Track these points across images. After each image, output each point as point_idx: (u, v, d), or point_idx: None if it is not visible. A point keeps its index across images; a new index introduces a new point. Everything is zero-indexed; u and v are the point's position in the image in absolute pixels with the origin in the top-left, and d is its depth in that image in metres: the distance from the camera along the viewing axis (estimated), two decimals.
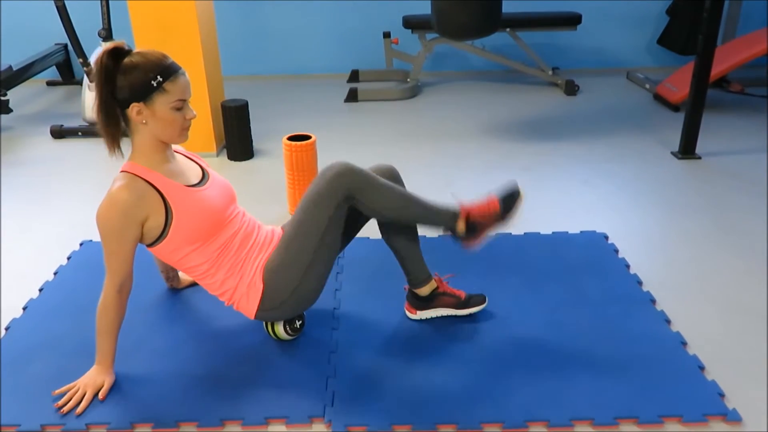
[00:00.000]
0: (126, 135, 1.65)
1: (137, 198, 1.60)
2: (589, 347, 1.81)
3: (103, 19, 3.80)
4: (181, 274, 2.16)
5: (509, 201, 1.82)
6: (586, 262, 2.24)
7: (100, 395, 1.66)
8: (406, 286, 1.97)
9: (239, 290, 1.74)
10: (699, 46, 2.97)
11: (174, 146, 1.80)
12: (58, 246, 2.44)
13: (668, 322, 1.93)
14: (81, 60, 3.52)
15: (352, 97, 4.22)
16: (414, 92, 4.32)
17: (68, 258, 2.34)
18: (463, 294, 1.95)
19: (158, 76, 1.57)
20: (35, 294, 2.13)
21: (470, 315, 1.95)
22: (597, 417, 1.57)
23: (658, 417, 1.56)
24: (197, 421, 1.59)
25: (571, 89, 4.25)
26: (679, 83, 3.92)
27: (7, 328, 1.95)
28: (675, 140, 3.38)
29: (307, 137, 2.59)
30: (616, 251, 2.32)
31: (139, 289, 2.12)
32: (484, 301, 1.96)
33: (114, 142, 1.65)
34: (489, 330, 1.90)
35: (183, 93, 1.62)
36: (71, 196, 2.87)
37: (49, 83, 4.73)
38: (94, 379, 1.68)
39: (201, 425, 1.58)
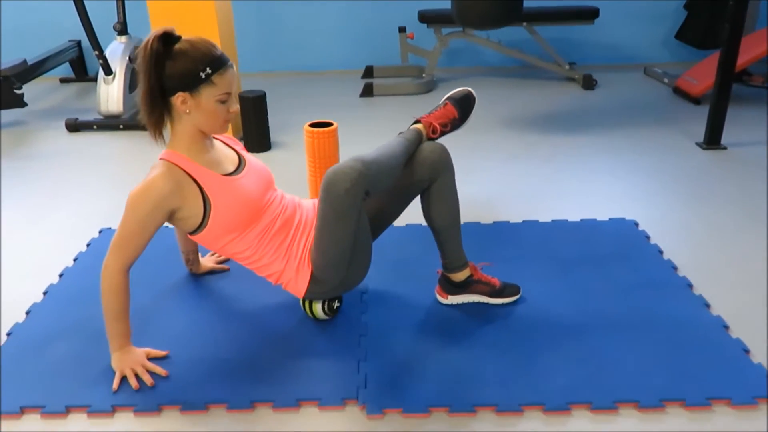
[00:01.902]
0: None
1: (172, 188, 1.58)
2: (629, 331, 1.76)
3: (118, 12, 3.78)
4: (202, 259, 2.11)
5: (464, 103, 1.83)
6: (618, 249, 2.18)
7: (153, 369, 1.62)
8: (439, 270, 1.91)
9: (287, 273, 1.73)
10: (725, 33, 2.92)
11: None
12: (76, 234, 2.40)
13: (708, 306, 1.87)
14: (96, 52, 3.49)
15: (368, 91, 4.18)
16: (429, 87, 4.28)
17: (87, 245, 2.30)
18: (497, 282, 1.89)
19: (207, 68, 1.55)
20: (55, 280, 2.09)
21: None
22: (642, 399, 1.51)
23: (706, 399, 1.50)
24: (226, 403, 1.53)
25: (588, 83, 4.20)
26: (699, 76, 3.87)
27: (27, 313, 1.90)
28: (698, 132, 3.33)
29: (329, 124, 2.54)
30: (648, 238, 2.26)
31: (160, 273, 2.09)
32: (518, 292, 1.91)
33: (157, 129, 1.63)
34: (522, 314, 1.85)
35: (230, 86, 1.60)
36: (88, 187, 2.84)
37: (62, 80, 4.71)
38: (129, 360, 1.63)
39: (230, 407, 1.52)
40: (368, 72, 4.61)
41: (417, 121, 1.81)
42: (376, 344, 1.73)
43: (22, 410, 1.53)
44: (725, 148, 3.11)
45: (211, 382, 1.60)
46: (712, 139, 3.13)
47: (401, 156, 1.70)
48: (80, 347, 1.74)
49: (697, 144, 3.18)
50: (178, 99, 1.56)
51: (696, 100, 3.83)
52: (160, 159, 1.64)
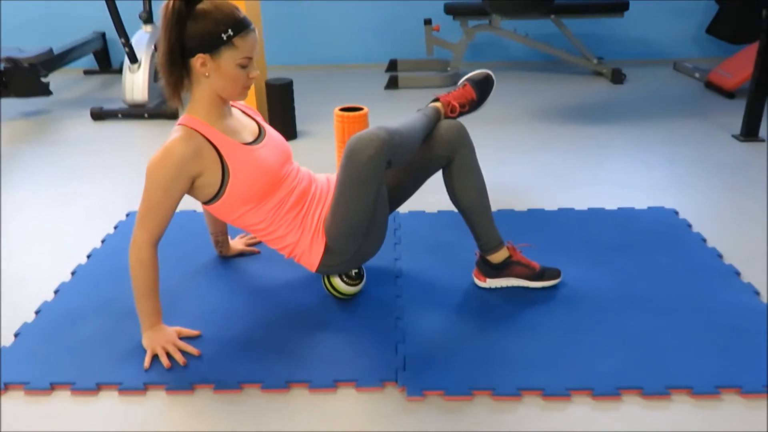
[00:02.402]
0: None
1: (193, 152, 1.53)
2: (677, 317, 1.68)
3: (144, 2, 3.76)
4: (231, 242, 2.07)
5: (483, 85, 1.83)
6: (659, 236, 2.11)
7: (185, 348, 1.58)
8: (477, 252, 1.85)
9: (301, 245, 1.69)
10: (763, 22, 2.83)
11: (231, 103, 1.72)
12: (104, 217, 2.37)
13: (757, 294, 1.79)
14: (123, 40, 3.47)
15: (393, 84, 4.13)
16: (454, 80, 4.22)
17: (115, 227, 2.27)
18: (537, 265, 1.83)
19: (230, 30, 1.50)
20: (84, 261, 2.06)
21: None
22: (696, 386, 1.44)
23: (764, 387, 1.43)
24: (261, 382, 1.48)
25: (617, 78, 4.12)
26: (733, 69, 3.78)
27: (56, 292, 1.87)
28: (733, 125, 3.24)
29: (359, 109, 2.49)
30: (689, 226, 2.18)
31: (189, 256, 2.05)
32: (559, 275, 1.84)
33: (176, 92, 1.58)
34: (564, 298, 1.78)
35: (251, 50, 1.55)
36: (115, 171, 2.81)
37: (86, 72, 4.70)
38: (160, 338, 1.58)
39: (265, 387, 1.47)
40: (392, 65, 4.56)
41: (436, 99, 1.79)
42: (414, 326, 1.67)
43: (52, 386, 1.49)
44: (763, 141, 3.02)
45: (245, 362, 1.55)
46: (750, 131, 3.04)
47: (421, 131, 1.68)
48: (110, 325, 1.70)
49: (733, 136, 3.09)
50: (197, 61, 1.51)
51: (730, 94, 3.74)
52: (179, 124, 1.59)
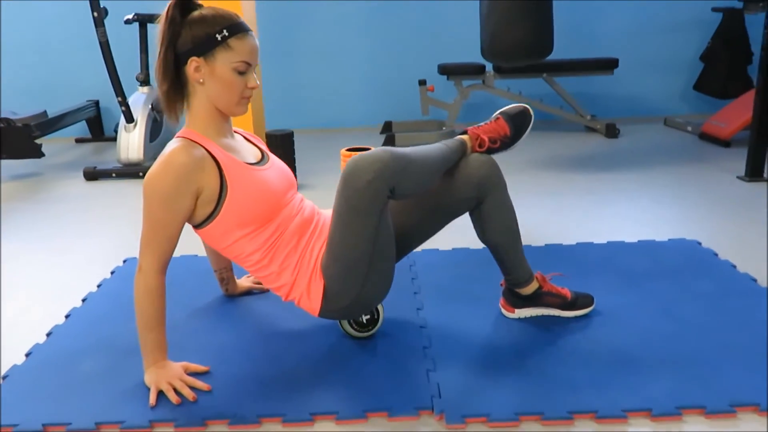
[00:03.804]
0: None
1: (195, 163, 1.39)
2: (726, 336, 1.57)
3: (141, 64, 3.78)
4: (238, 280, 1.94)
5: (518, 119, 1.63)
6: (688, 263, 2.02)
7: (194, 384, 1.42)
8: (503, 282, 1.74)
9: (298, 286, 1.51)
10: (761, 60, 2.88)
11: (234, 128, 1.62)
12: (100, 264, 2.23)
13: None
14: (120, 99, 3.45)
15: (390, 142, 4.12)
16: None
17: (112, 272, 2.13)
18: (568, 293, 1.71)
19: (224, 30, 1.41)
20: (78, 304, 1.91)
21: None
22: (763, 402, 1.31)
23: None
24: (282, 415, 1.33)
25: (612, 132, 4.16)
26: (727, 119, 3.83)
27: (48, 334, 1.71)
28: (735, 169, 3.23)
29: (366, 149, 2.44)
30: (716, 255, 2.10)
31: (194, 295, 1.92)
32: (592, 303, 1.72)
33: (170, 104, 1.46)
34: (602, 324, 1.66)
35: (248, 55, 1.44)
36: (111, 223, 2.69)
37: (78, 140, 4.66)
38: (166, 375, 1.42)
39: (287, 420, 1.32)
40: (387, 127, 4.58)
41: (464, 132, 1.63)
42: (444, 354, 1.53)
43: (44, 428, 1.31)
44: None
45: (262, 396, 1.39)
46: (755, 172, 3.03)
47: (438, 162, 1.50)
48: (108, 364, 1.54)
49: (738, 177, 3.08)
50: (191, 65, 1.41)
51: (726, 143, 3.76)
52: (176, 137, 1.47)
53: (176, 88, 1.46)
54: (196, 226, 1.49)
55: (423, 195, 1.59)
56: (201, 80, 1.44)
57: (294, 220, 1.53)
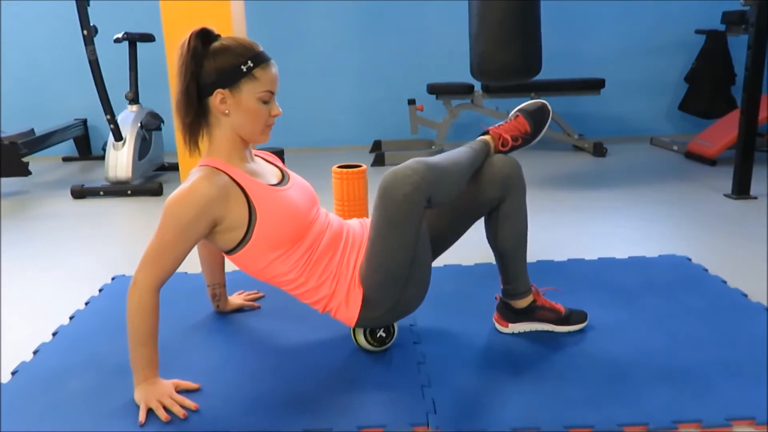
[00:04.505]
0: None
1: (219, 193, 1.40)
2: (721, 351, 1.57)
3: (130, 83, 3.77)
4: (230, 297, 1.92)
5: (538, 115, 1.68)
6: (678, 279, 2.03)
7: (182, 402, 1.39)
8: (498, 296, 1.73)
9: (337, 297, 1.52)
10: (745, 80, 2.94)
11: (253, 150, 1.63)
12: (87, 282, 2.20)
13: None
14: (108, 117, 3.43)
15: (380, 161, 4.13)
16: None
17: (100, 290, 2.10)
18: (562, 308, 1.71)
19: (249, 61, 1.43)
20: (66, 321, 1.88)
21: None
22: (758, 416, 1.30)
23: None
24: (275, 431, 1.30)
25: (599, 151, 4.20)
26: (713, 138, 3.88)
27: (35, 352, 1.68)
28: (722, 187, 3.27)
29: (358, 166, 2.44)
30: (706, 270, 2.11)
31: (185, 313, 1.91)
32: (585, 318, 1.72)
33: (192, 136, 1.49)
34: (595, 340, 1.66)
35: (272, 84, 1.47)
36: (97, 243, 2.66)
37: (65, 159, 4.63)
38: (155, 392, 1.40)
39: None
40: (376, 146, 4.59)
41: (485, 132, 1.67)
42: (438, 370, 1.52)
43: None
44: (756, 198, 3.04)
45: (255, 413, 1.37)
46: (741, 189, 3.06)
47: (467, 167, 1.54)
48: (96, 382, 1.51)
49: (725, 195, 3.11)
50: (217, 97, 1.43)
51: (712, 161, 3.81)
52: (201, 165, 1.49)
53: (198, 119, 1.47)
54: (228, 252, 1.50)
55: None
56: (226, 111, 1.45)
57: (325, 235, 1.55)
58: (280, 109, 1.52)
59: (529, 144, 1.69)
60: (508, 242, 1.64)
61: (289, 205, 1.49)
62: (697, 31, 4.43)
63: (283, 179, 1.59)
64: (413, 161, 1.42)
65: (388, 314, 1.54)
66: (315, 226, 1.55)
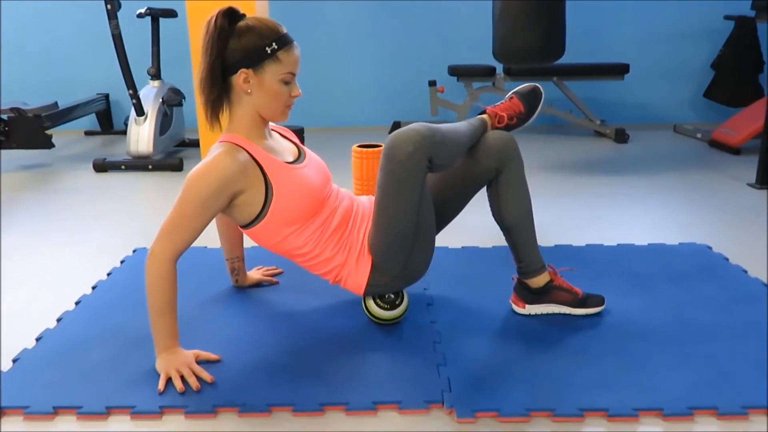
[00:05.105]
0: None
1: (238, 168, 1.44)
2: (739, 341, 1.56)
3: (152, 58, 3.79)
4: (249, 272, 1.94)
5: (531, 97, 1.74)
6: (698, 268, 2.01)
7: (200, 374, 1.42)
8: (515, 276, 1.74)
9: (347, 266, 1.58)
10: None
11: (271, 125, 1.66)
12: (109, 254, 2.24)
13: None
14: (131, 92, 3.46)
15: None
16: None
17: (121, 262, 2.13)
18: (579, 291, 1.71)
19: (274, 43, 1.46)
20: (88, 291, 1.91)
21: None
22: None
23: None
24: (293, 405, 1.33)
25: (621, 137, 4.15)
26: (737, 127, 3.82)
27: (59, 320, 1.72)
28: (745, 176, 3.22)
29: (377, 146, 2.44)
30: (727, 259, 2.09)
31: (204, 286, 1.94)
32: (603, 302, 1.72)
33: (214, 112, 1.52)
34: (612, 326, 1.66)
35: (294, 66, 1.51)
36: (120, 214, 2.70)
37: (87, 133, 4.68)
38: (176, 361, 1.43)
39: (297, 410, 1.32)
40: (395, 127, 4.57)
41: (483, 111, 1.72)
42: (454, 350, 1.53)
43: (55, 411, 1.32)
44: None
45: (273, 385, 1.39)
46: (766, 180, 3.02)
47: (465, 136, 1.59)
48: (118, 351, 1.54)
49: (749, 185, 3.07)
50: (240, 77, 1.47)
51: (736, 150, 3.75)
52: (221, 141, 1.52)
53: (220, 97, 1.51)
54: (245, 226, 1.54)
55: (450, 171, 1.67)
56: (249, 90, 1.49)
57: (338, 211, 1.60)
58: (300, 90, 1.55)
59: (524, 124, 1.74)
60: (510, 216, 1.66)
61: (305, 183, 1.53)
62: (726, 17, 4.34)
63: (300, 157, 1.62)
64: (416, 124, 1.48)
65: (395, 281, 1.60)
66: (328, 203, 1.60)
